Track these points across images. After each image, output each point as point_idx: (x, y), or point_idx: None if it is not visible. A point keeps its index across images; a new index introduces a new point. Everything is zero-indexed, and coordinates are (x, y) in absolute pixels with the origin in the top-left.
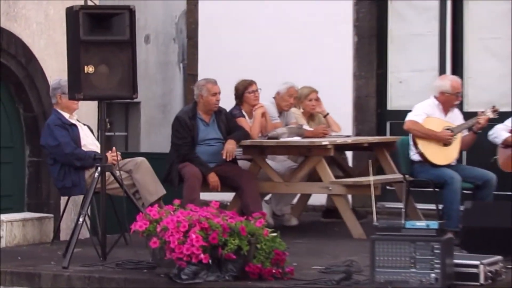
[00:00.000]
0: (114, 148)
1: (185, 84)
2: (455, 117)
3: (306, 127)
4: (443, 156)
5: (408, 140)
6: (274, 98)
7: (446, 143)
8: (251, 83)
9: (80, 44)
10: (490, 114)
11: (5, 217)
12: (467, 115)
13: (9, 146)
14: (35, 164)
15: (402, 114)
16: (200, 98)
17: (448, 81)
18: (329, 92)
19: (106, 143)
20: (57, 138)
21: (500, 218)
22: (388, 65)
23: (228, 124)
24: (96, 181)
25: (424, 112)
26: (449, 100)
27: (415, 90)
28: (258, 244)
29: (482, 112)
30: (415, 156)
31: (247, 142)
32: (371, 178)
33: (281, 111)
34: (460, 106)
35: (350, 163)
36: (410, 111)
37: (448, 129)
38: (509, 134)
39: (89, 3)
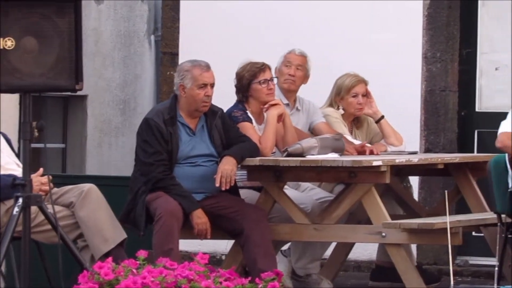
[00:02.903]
0: (41, 169)
1: (158, 68)
2: None
3: (348, 137)
4: None
5: (506, 161)
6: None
7: None
8: (262, 67)
9: None
10: None
11: None
12: None
13: None
14: None
15: (498, 119)
16: (182, 92)
17: None
18: (384, 83)
19: (33, 160)
20: None
21: None
22: (478, 42)
23: (226, 133)
24: (16, 221)
25: None
26: None
27: None
28: None
29: None
30: None
31: (255, 160)
32: (447, 219)
33: (293, 102)
34: None
35: (415, 196)
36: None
37: None
38: None
39: None
